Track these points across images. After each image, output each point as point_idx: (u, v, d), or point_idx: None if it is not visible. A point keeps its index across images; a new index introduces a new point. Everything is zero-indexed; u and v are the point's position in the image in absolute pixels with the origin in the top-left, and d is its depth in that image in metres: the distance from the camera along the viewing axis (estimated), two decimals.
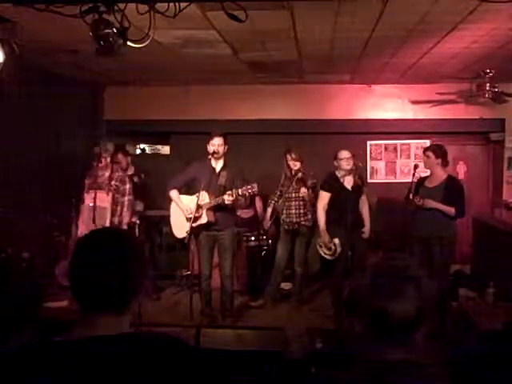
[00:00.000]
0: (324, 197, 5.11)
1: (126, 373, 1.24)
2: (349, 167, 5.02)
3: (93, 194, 5.18)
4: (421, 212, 4.91)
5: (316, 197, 5.20)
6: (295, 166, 5.32)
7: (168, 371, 1.27)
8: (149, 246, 5.79)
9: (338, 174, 5.08)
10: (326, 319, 5.07)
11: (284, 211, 5.47)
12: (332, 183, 5.09)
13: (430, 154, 4.91)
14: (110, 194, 5.18)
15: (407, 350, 1.33)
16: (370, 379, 1.30)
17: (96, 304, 1.33)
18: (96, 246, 1.39)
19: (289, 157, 5.37)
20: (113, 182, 5.22)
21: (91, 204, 5.18)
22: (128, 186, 5.27)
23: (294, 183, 5.35)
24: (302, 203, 5.41)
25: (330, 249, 5.00)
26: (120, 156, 5.85)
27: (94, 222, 5.11)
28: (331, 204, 5.10)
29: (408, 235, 5.03)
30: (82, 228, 5.21)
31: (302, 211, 5.41)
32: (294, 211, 5.43)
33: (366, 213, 5.25)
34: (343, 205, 4.79)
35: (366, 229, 5.21)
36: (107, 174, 5.24)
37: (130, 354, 1.27)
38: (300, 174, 5.27)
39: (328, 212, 5.08)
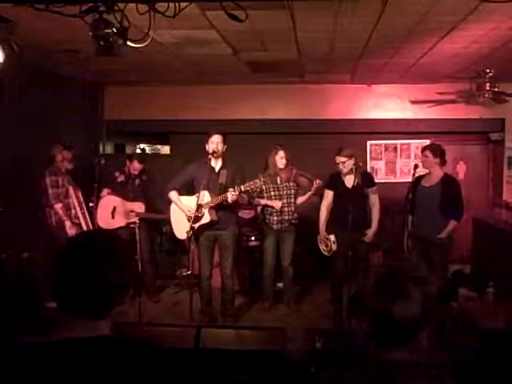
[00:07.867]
0: (328, 195, 5.21)
1: (95, 375, 1.23)
2: (346, 170, 5.05)
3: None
4: (418, 213, 4.90)
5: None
6: (282, 164, 5.25)
7: (136, 375, 1.27)
8: (149, 246, 5.76)
9: (341, 172, 5.12)
10: (325, 319, 5.06)
11: (274, 210, 5.30)
12: (334, 181, 5.19)
13: (428, 153, 4.90)
14: None
15: (411, 351, 1.33)
16: (374, 380, 1.30)
17: (74, 307, 1.32)
18: (80, 250, 1.36)
19: (282, 153, 5.23)
20: None
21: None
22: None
23: (281, 181, 5.31)
24: (292, 201, 5.35)
25: (327, 245, 5.15)
26: (136, 165, 5.64)
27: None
28: (334, 202, 5.18)
29: (407, 235, 5.03)
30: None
31: (292, 209, 5.35)
32: (287, 209, 5.32)
33: (375, 215, 5.13)
34: (344, 203, 4.79)
35: (371, 231, 5.09)
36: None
37: (101, 357, 1.26)
38: (294, 171, 5.29)
39: (332, 210, 5.15)
